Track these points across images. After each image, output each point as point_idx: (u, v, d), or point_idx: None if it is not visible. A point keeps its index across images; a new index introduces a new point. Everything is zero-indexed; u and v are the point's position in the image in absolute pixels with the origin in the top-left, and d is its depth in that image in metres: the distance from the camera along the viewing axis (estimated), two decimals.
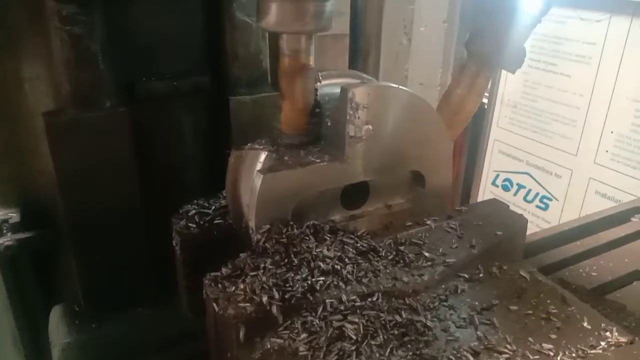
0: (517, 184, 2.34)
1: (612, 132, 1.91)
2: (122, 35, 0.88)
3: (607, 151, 1.94)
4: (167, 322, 0.93)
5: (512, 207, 2.26)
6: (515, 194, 2.35)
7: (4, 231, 0.98)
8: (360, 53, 1.28)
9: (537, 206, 2.26)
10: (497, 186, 2.43)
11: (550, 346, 0.51)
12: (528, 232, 0.98)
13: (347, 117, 0.59)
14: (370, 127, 0.60)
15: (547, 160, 2.18)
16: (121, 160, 0.88)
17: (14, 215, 1.00)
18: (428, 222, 0.67)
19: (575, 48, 2.00)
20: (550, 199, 2.21)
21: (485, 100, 2.38)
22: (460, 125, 0.82)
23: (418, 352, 0.49)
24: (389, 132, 0.63)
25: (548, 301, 0.58)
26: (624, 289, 0.79)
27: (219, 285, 0.54)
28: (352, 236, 0.61)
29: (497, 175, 2.42)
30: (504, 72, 2.26)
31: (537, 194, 2.25)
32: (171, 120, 0.99)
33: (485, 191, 2.49)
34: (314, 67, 0.61)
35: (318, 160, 0.60)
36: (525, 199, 2.30)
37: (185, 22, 0.95)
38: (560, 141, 2.12)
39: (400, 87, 0.62)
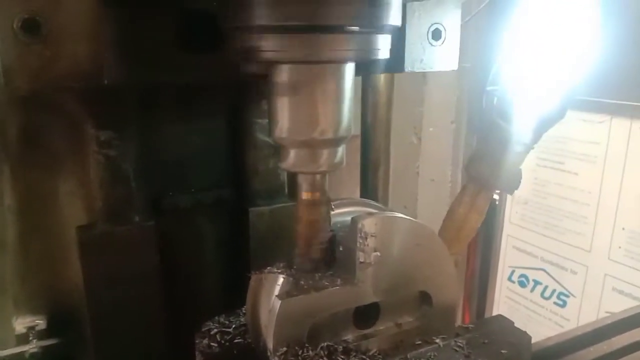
0: (533, 280, 2.32)
1: (623, 229, 1.91)
2: (151, 154, 0.95)
3: (620, 247, 1.93)
4: None
5: (529, 304, 2.23)
6: (532, 290, 2.32)
7: (30, 338, 1.01)
8: (371, 162, 1.35)
9: (555, 303, 2.22)
10: (514, 282, 2.41)
11: None
12: (548, 332, 0.98)
13: (357, 245, 0.65)
14: (379, 253, 0.66)
15: (561, 256, 2.17)
16: (147, 271, 0.92)
17: (40, 322, 1.03)
18: (437, 340, 0.70)
19: (580, 147, 2.05)
20: (567, 296, 2.18)
21: (496, 197, 2.43)
22: (464, 240, 0.88)
23: None
24: (396, 257, 0.69)
25: None
26: None
27: None
28: (364, 357, 0.65)
29: (513, 271, 2.40)
30: None
31: (554, 290, 2.22)
32: (194, 230, 1.04)
33: (502, 287, 2.46)
34: (326, 198, 0.67)
35: (331, 284, 0.65)
36: (542, 295, 2.27)
37: (209, 141, 1.03)
38: (572, 237, 2.11)
39: (404, 216, 0.69)
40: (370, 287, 0.68)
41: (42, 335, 1.02)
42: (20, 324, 1.02)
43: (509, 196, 2.36)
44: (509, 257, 2.40)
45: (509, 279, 2.41)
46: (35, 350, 1.01)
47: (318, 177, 0.65)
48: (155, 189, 0.97)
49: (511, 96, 0.81)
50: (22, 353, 1.00)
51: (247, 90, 0.98)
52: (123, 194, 0.91)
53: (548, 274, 2.24)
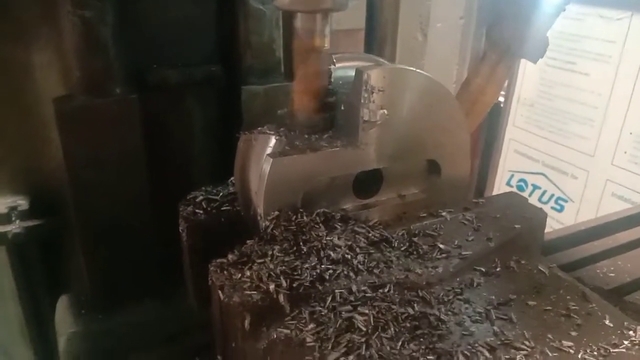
0: (532, 185, 2.30)
1: (630, 133, 1.87)
2: (133, 22, 0.87)
3: (625, 152, 1.90)
4: (172, 314, 0.92)
5: None
6: (530, 195, 2.32)
7: (13, 218, 0.98)
8: (376, 43, 1.25)
9: (552, 207, 2.22)
10: (512, 187, 2.40)
11: (571, 343, 0.48)
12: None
13: (362, 101, 0.56)
14: (385, 111, 0.58)
15: (563, 160, 2.14)
16: (130, 148, 0.87)
17: (22, 203, 0.99)
18: (443, 213, 0.64)
19: (595, 46, 1.96)
20: (565, 201, 2.17)
21: (501, 99, 2.35)
22: (477, 116, 0.80)
23: (431, 346, 0.47)
24: (405, 118, 0.60)
25: (568, 297, 0.55)
26: None
27: (225, 272, 0.52)
28: (363, 226, 0.59)
29: (512, 176, 2.39)
30: (520, 70, 2.23)
31: (552, 195, 2.22)
32: (182, 110, 0.97)
33: (499, 191, 2.45)
34: (328, 48, 0.58)
35: (330, 146, 0.58)
36: (540, 200, 2.26)
37: (197, 9, 0.94)
38: (577, 141, 2.08)
39: (418, 70, 0.60)
40: (374, 151, 0.60)
41: (24, 215, 0.99)
42: (1, 204, 0.98)
43: (514, 98, 2.28)
44: (509, 162, 2.38)
45: (508, 183, 2.39)
46: (18, 230, 0.98)
47: (319, 17, 0.56)
48: (139, 61, 0.89)
49: None
50: (4, 233, 0.97)
51: None
52: (102, 63, 0.83)
53: (547, 178, 2.22)
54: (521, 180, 2.33)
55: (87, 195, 0.85)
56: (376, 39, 1.29)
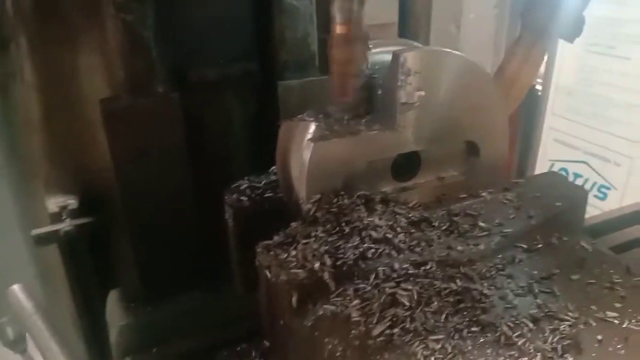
0: (573, 174, 2.26)
1: None
2: (172, 22, 0.89)
3: None
4: (216, 304, 0.94)
5: None
6: None
7: (63, 217, 1.02)
8: (410, 36, 1.26)
9: (595, 196, 2.17)
10: None
11: (615, 314, 0.48)
12: (587, 217, 0.94)
13: (399, 84, 0.57)
14: (423, 92, 0.59)
15: (606, 147, 2.09)
16: (173, 143, 0.89)
17: (72, 202, 1.03)
18: (483, 194, 0.65)
19: (635, 28, 1.91)
20: (609, 188, 2.13)
21: (539, 87, 2.31)
22: (515, 99, 0.80)
23: (475, 319, 0.48)
24: (442, 99, 0.61)
25: (611, 271, 0.55)
26: None
27: (271, 253, 0.54)
28: (403, 207, 0.60)
29: (552, 165, 2.34)
30: (558, 58, 2.19)
31: (595, 183, 2.17)
32: (221, 105, 1.00)
33: None
34: (365, 33, 0.60)
35: (368, 129, 0.59)
36: None
37: (234, 8, 0.96)
38: (619, 128, 2.03)
39: (454, 52, 0.61)
40: (412, 133, 0.61)
41: (75, 214, 1.02)
42: (53, 204, 1.02)
43: (552, 86, 2.24)
44: (549, 150, 2.33)
45: None
46: (69, 228, 1.02)
47: (355, 5, 0.57)
48: (178, 60, 0.92)
49: None
50: (56, 231, 1.01)
51: None
52: (144, 64, 0.86)
53: (590, 166, 2.17)
54: (562, 169, 2.29)
55: (133, 190, 0.88)
56: (409, 32, 1.30)
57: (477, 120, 0.65)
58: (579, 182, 2.20)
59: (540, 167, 2.37)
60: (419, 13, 1.28)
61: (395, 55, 0.56)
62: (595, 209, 2.15)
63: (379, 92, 0.61)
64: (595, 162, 2.14)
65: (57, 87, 0.95)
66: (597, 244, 0.60)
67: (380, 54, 0.62)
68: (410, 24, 1.29)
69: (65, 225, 1.02)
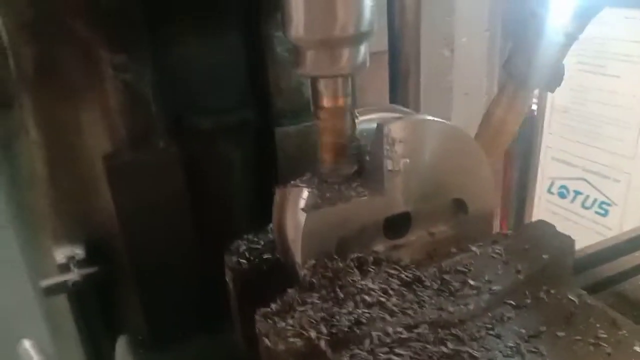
0: (573, 191, 2.28)
1: None
2: (169, 76, 0.93)
3: None
4: (221, 347, 0.96)
5: (570, 215, 2.23)
6: (572, 201, 2.30)
7: (71, 267, 1.04)
8: (400, 73, 1.28)
9: (597, 212, 2.19)
10: (553, 194, 2.37)
11: None
12: (588, 241, 0.96)
13: (385, 152, 0.60)
14: (408, 160, 0.62)
15: (603, 164, 2.12)
16: (175, 194, 0.92)
17: (79, 252, 1.05)
18: (473, 248, 0.67)
19: (622, 47, 1.94)
20: (609, 205, 2.14)
21: (534, 107, 2.35)
22: (502, 145, 0.83)
23: None
24: (428, 163, 0.64)
25: (597, 325, 0.57)
26: None
27: (270, 321, 0.57)
28: (396, 267, 0.62)
29: (552, 183, 2.36)
30: None
31: (595, 200, 2.19)
32: (219, 152, 1.03)
33: (541, 200, 2.43)
34: (350, 105, 0.63)
35: (359, 195, 0.62)
36: (583, 205, 2.24)
37: (229, 59, 0.99)
38: (615, 144, 2.05)
39: (435, 119, 0.64)
40: (401, 196, 0.64)
41: (82, 264, 1.05)
42: (60, 254, 1.04)
43: (547, 106, 2.27)
44: (548, 169, 2.36)
45: (549, 190, 2.37)
46: (77, 278, 1.04)
47: (340, 80, 0.60)
48: (176, 111, 0.95)
49: None
50: (65, 282, 1.03)
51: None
52: (144, 120, 0.90)
53: (589, 183, 2.19)
54: (562, 187, 2.31)
55: (137, 241, 0.91)
56: (401, 59, 1.32)
57: (463, 179, 0.67)
58: (579, 199, 2.23)
59: (540, 185, 2.39)
60: (408, 44, 1.30)
61: (380, 126, 0.60)
62: (597, 225, 2.17)
63: (367, 158, 0.64)
64: (594, 178, 2.16)
65: (60, 143, 0.97)
66: (584, 296, 0.62)
67: (367, 123, 0.65)
68: (401, 51, 1.31)
69: (73, 275, 1.04)
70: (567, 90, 2.17)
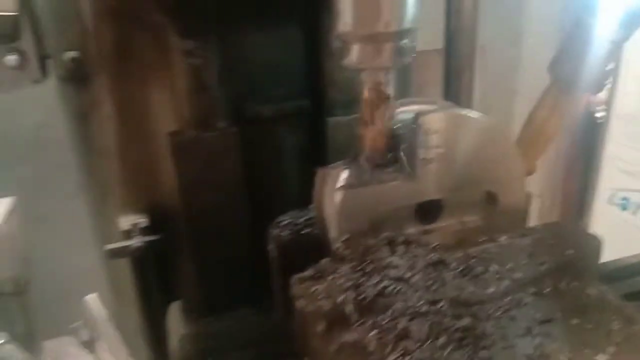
0: (634, 203, 2.20)
1: None
2: (233, 64, 0.99)
3: None
4: (269, 322, 1.03)
5: (631, 228, 2.16)
6: (634, 213, 2.22)
7: (134, 234, 1.13)
8: (454, 72, 1.30)
9: None
10: (614, 205, 2.30)
11: (607, 357, 0.53)
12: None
13: (419, 142, 0.65)
14: (442, 150, 0.66)
15: None
16: (233, 173, 0.99)
17: (142, 221, 1.14)
18: (501, 239, 0.71)
19: None
20: None
21: (599, 115, 2.28)
22: (543, 145, 0.85)
23: (474, 355, 0.54)
24: (461, 154, 0.69)
25: (613, 318, 0.59)
26: None
27: (303, 285, 0.63)
28: (424, 248, 0.67)
29: (614, 194, 2.29)
30: (620, 84, 2.16)
31: None
32: (275, 139, 1.09)
33: (601, 210, 2.37)
34: (392, 96, 0.68)
35: (393, 179, 0.67)
36: None
37: (288, 51, 1.05)
38: None
39: (470, 112, 0.68)
40: (433, 184, 0.69)
41: (144, 231, 1.13)
42: (125, 222, 1.13)
43: (613, 112, 2.21)
44: (610, 179, 2.29)
45: (609, 201, 2.31)
46: (138, 244, 1.13)
47: (381, 73, 0.66)
48: (238, 98, 1.02)
49: None
50: (127, 247, 1.12)
51: None
52: (207, 102, 0.97)
53: None
54: (624, 198, 2.24)
55: (196, 213, 0.98)
56: (456, 58, 1.32)
57: (495, 173, 0.71)
58: None
59: (601, 195, 2.33)
60: (465, 38, 1.28)
61: (416, 117, 0.65)
62: None
63: (403, 146, 0.69)
64: None
65: (130, 118, 1.05)
66: (606, 291, 0.65)
67: (406, 113, 0.70)
68: (456, 49, 1.30)
69: (136, 241, 1.13)
70: (636, 97, 2.10)
